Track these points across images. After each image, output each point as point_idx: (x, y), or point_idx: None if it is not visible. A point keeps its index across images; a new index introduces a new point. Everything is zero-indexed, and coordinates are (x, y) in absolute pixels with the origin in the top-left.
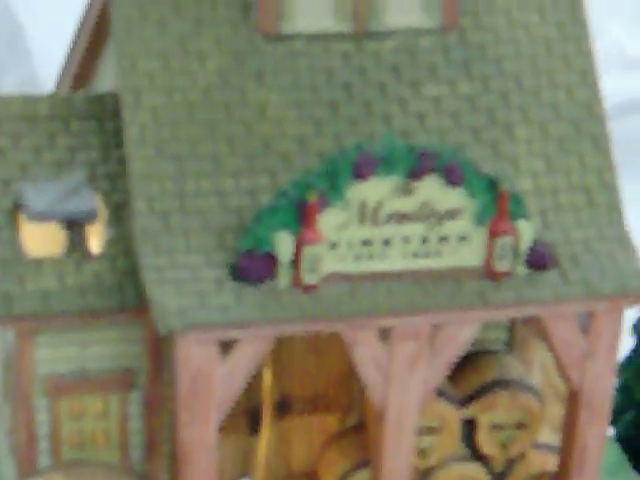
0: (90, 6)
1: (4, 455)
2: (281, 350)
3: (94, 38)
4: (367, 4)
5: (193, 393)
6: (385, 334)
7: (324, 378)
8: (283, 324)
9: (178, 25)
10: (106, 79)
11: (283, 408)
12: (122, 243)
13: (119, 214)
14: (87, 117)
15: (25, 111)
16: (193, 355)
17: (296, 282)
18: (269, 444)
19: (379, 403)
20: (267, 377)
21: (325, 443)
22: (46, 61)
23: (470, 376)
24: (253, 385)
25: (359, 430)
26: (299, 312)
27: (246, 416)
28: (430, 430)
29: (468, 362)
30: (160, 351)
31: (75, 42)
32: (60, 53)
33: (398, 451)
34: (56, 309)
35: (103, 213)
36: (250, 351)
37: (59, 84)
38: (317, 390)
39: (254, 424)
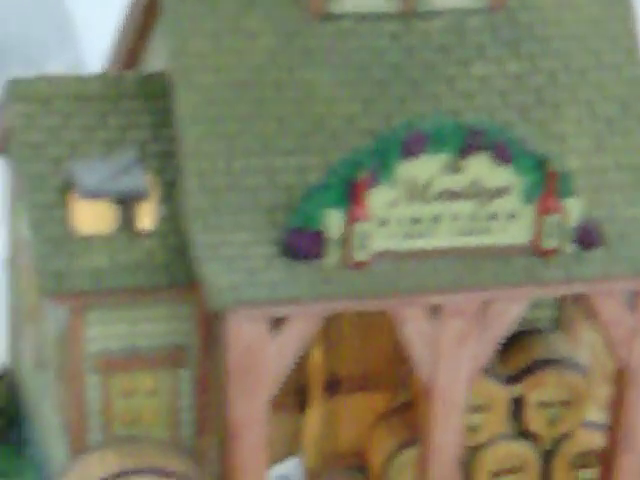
0: None
1: (55, 432)
2: (330, 330)
3: (144, 18)
4: None
5: (243, 369)
6: (434, 311)
7: (372, 357)
8: (333, 301)
9: (228, 4)
10: (156, 59)
11: (332, 387)
12: (173, 221)
13: (169, 192)
14: (137, 96)
15: (76, 90)
16: (243, 331)
17: (346, 259)
18: (318, 423)
19: (427, 380)
20: (316, 356)
21: (373, 422)
22: (92, 47)
23: (518, 354)
24: (303, 364)
25: (407, 409)
26: (349, 289)
27: (295, 395)
28: (478, 408)
29: (516, 341)
30: (210, 328)
31: (125, 22)
32: (106, 38)
33: (446, 428)
34: (107, 286)
35: (154, 191)
36: (300, 328)
37: (109, 64)
38: (365, 369)
39: (303, 403)
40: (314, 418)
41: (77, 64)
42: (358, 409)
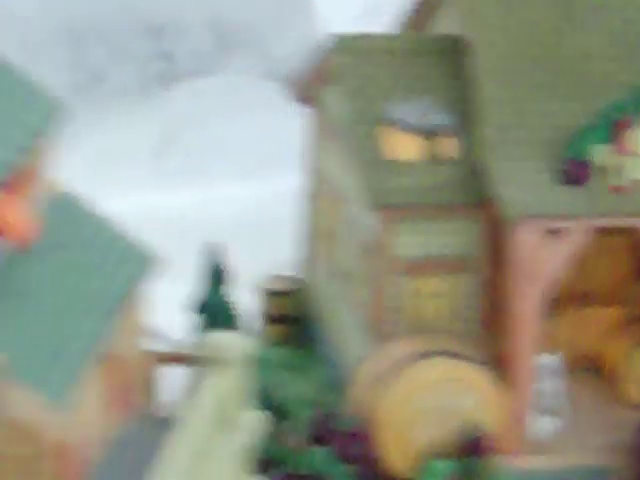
0: None
1: (351, 331)
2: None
3: None
4: None
5: (525, 273)
6: None
7: (611, 276)
8: (599, 218)
9: None
10: (442, 26)
11: (578, 299)
12: (468, 152)
13: (463, 129)
14: (435, 52)
15: (386, 46)
16: (527, 241)
17: (608, 185)
18: (565, 328)
19: None
20: (567, 271)
21: (610, 330)
22: (325, 17)
23: None
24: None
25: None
26: (610, 209)
27: (550, 303)
28: None
29: None
30: (494, 240)
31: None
32: (339, 9)
33: None
34: (415, 203)
35: (452, 127)
36: (572, 240)
37: (399, 27)
38: (605, 286)
39: (555, 310)
40: (562, 325)
41: (312, 35)
42: (598, 320)
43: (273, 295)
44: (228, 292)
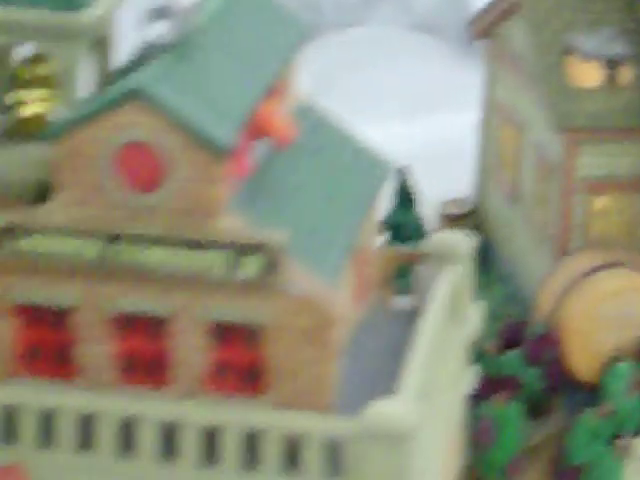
0: None
1: (532, 246)
2: None
3: None
4: None
5: None
6: None
7: None
8: None
9: None
10: None
11: None
12: None
13: None
14: None
15: None
16: None
17: None
18: None
19: None
20: None
21: None
22: None
23: None
24: None
25: None
26: None
27: None
28: None
29: None
30: None
31: None
32: None
33: None
34: (598, 126)
35: (630, 57)
36: None
37: None
38: None
39: None
40: None
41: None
42: None
43: (451, 218)
44: (416, 213)
